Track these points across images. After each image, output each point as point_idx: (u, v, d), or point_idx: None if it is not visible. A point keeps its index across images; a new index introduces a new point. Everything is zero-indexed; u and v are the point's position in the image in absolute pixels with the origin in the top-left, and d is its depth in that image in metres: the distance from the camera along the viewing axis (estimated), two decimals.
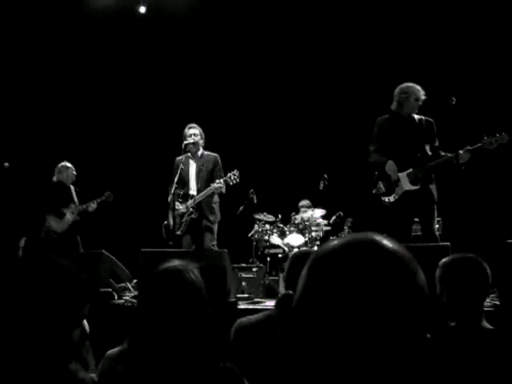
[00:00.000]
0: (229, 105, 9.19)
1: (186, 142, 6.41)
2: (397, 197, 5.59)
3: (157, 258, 4.91)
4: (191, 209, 6.31)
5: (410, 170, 5.53)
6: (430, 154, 5.56)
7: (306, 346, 0.92)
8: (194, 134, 6.47)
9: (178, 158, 6.50)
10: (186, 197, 6.39)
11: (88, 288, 1.43)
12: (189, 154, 6.49)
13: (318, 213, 7.79)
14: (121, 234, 8.48)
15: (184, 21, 8.86)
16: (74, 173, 7.50)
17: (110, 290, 5.49)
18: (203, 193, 6.29)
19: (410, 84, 5.59)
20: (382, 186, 5.67)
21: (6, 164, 7.00)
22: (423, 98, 5.57)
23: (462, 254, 2.58)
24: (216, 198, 6.53)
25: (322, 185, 7.55)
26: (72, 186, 7.46)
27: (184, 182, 6.43)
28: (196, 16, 8.92)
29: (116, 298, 5.47)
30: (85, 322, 1.43)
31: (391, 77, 8.25)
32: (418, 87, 5.57)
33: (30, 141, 8.89)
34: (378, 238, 0.95)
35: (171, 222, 6.29)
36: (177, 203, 6.26)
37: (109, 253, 5.84)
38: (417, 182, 5.50)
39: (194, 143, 6.44)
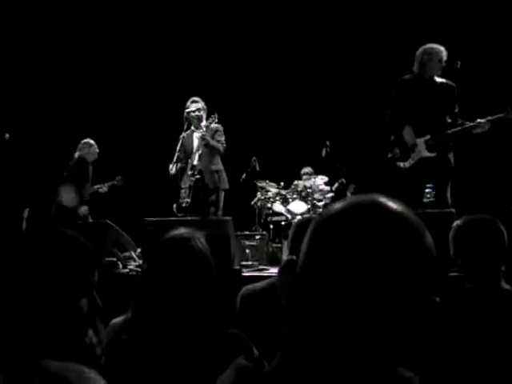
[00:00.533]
0: (230, 73, 9.11)
1: (186, 111, 6.37)
2: (412, 162, 5.52)
3: (161, 226, 4.92)
4: (189, 172, 6.27)
5: (428, 136, 5.45)
6: (449, 120, 5.46)
7: (310, 312, 0.91)
8: (198, 109, 6.40)
9: (182, 135, 6.45)
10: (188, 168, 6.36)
11: (94, 256, 1.42)
12: (192, 128, 6.46)
13: (321, 180, 7.78)
14: (125, 204, 8.49)
15: None
16: (97, 150, 7.52)
17: (114, 259, 5.51)
18: (196, 153, 6.26)
19: (433, 45, 5.45)
20: (397, 150, 5.59)
21: (7, 135, 6.98)
22: (446, 58, 5.41)
23: (478, 215, 2.56)
24: (217, 166, 6.46)
25: (324, 152, 7.52)
26: (90, 165, 7.48)
27: (188, 155, 6.39)
28: None
29: (120, 267, 5.49)
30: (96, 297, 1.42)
31: (394, 38, 8.23)
32: (442, 48, 5.42)
33: (33, 112, 8.84)
34: (383, 199, 0.93)
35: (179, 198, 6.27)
36: (180, 176, 6.25)
37: (113, 222, 5.85)
38: (434, 149, 5.43)
39: (196, 117, 6.39)
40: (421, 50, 5.49)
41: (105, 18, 8.94)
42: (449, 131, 5.39)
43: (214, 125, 6.31)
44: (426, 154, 5.45)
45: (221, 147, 6.35)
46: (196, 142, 6.46)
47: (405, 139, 5.54)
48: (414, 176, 5.51)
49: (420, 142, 5.48)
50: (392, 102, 5.62)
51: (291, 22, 8.93)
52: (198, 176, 6.27)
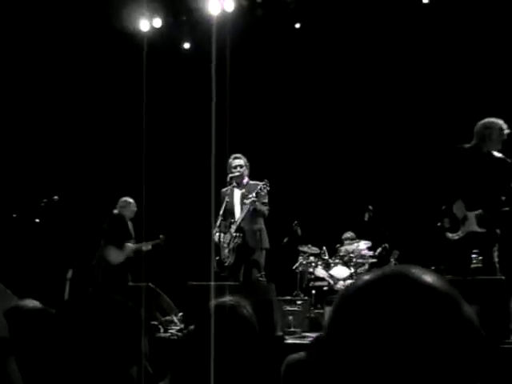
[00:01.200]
0: (275, 134, 9.23)
1: (231, 175, 6.43)
2: (462, 235, 5.40)
3: (203, 291, 4.89)
4: (234, 234, 6.29)
5: (480, 211, 5.32)
6: (503, 198, 5.33)
7: None
8: (240, 166, 6.49)
9: (223, 190, 6.54)
10: (230, 226, 6.39)
11: (142, 323, 1.41)
12: (234, 185, 6.51)
13: (364, 245, 7.68)
14: (167, 267, 8.51)
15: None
16: (135, 209, 7.64)
17: (156, 322, 5.49)
18: (242, 213, 6.28)
19: (494, 119, 5.38)
20: (447, 221, 5.48)
21: (56, 197, 7.16)
22: (507, 132, 5.33)
23: None
24: (260, 225, 6.47)
25: (367, 216, 7.46)
26: (130, 222, 7.57)
27: (229, 213, 6.43)
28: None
29: (162, 330, 5.46)
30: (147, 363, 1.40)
31: (435, 107, 8.26)
32: (502, 121, 5.35)
33: (81, 176, 9.07)
34: (414, 270, 0.86)
35: (220, 255, 6.28)
36: (222, 234, 6.25)
37: (155, 285, 5.86)
38: (484, 224, 5.29)
39: (238, 176, 6.46)
40: (480, 124, 5.41)
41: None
42: (502, 209, 5.25)
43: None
44: (477, 228, 5.32)
45: (266, 210, 6.39)
46: (237, 199, 6.51)
47: (454, 210, 5.44)
48: (461, 247, 5.40)
49: (471, 215, 5.36)
50: (446, 169, 5.55)
51: (334, 85, 9.06)
52: (240, 235, 6.28)
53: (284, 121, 9.26)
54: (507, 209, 5.25)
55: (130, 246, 7.40)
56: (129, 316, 1.38)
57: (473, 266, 5.52)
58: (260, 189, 6.25)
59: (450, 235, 5.48)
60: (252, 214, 6.36)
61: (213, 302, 2.03)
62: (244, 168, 6.53)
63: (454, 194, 5.47)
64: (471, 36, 8.07)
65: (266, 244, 6.53)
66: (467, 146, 5.49)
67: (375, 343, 0.81)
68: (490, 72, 7.96)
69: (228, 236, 6.33)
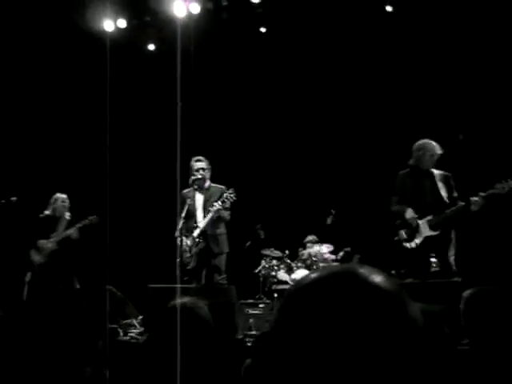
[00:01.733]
0: (238, 135, 9.23)
1: (193, 178, 6.42)
2: (418, 242, 5.88)
3: (164, 294, 4.85)
4: (197, 239, 6.30)
5: (430, 217, 5.83)
6: (447, 201, 5.84)
7: None
8: (202, 168, 6.49)
9: (185, 192, 6.53)
10: (192, 230, 6.38)
11: (96, 324, 1.39)
12: (195, 187, 6.50)
13: (326, 248, 7.73)
14: (127, 270, 8.42)
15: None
16: (64, 203, 7.33)
17: (115, 326, 5.43)
18: (205, 220, 6.30)
19: (426, 140, 5.95)
20: (403, 233, 5.95)
21: (14, 198, 7.01)
22: (439, 153, 5.91)
23: (486, 286, 2.55)
24: (222, 229, 6.51)
25: (329, 220, 7.53)
26: (65, 217, 7.30)
27: (191, 216, 6.42)
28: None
29: (121, 334, 5.40)
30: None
31: (398, 109, 8.37)
32: (434, 143, 5.91)
33: (40, 176, 8.92)
34: (362, 270, 0.86)
35: (180, 258, 6.27)
36: (184, 238, 6.23)
37: (115, 288, 5.80)
38: (436, 227, 5.81)
39: (201, 178, 6.45)
40: (415, 145, 5.98)
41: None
42: (447, 210, 5.77)
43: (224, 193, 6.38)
44: (430, 232, 5.83)
45: (228, 216, 6.41)
46: (200, 202, 6.51)
47: (407, 220, 5.92)
48: (419, 252, 5.87)
49: (422, 222, 5.86)
50: (395, 192, 6.11)
51: (294, 88, 9.11)
52: (203, 240, 6.29)
53: (247, 123, 9.27)
54: (452, 209, 5.76)
55: (43, 242, 7.16)
56: (83, 317, 1.36)
57: (432, 269, 5.97)
58: (226, 197, 6.27)
59: (408, 245, 5.94)
60: (215, 219, 6.38)
61: (169, 304, 2.03)
62: (206, 171, 6.54)
63: (406, 206, 5.98)
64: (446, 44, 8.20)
65: (227, 248, 6.58)
66: (406, 171, 6.08)
67: (320, 341, 0.81)
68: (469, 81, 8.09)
69: (190, 239, 6.32)
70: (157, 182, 8.93)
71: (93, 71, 8.88)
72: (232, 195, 6.27)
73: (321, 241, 8.04)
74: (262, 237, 7.62)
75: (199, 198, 6.53)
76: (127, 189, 9.28)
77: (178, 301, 2.07)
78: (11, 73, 8.85)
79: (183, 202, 6.42)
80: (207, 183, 6.56)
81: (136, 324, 5.55)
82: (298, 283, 0.89)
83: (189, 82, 8.85)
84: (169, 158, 8.41)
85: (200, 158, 6.56)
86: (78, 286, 6.98)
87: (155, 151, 9.28)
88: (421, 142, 5.98)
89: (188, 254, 6.26)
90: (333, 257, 7.68)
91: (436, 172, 5.99)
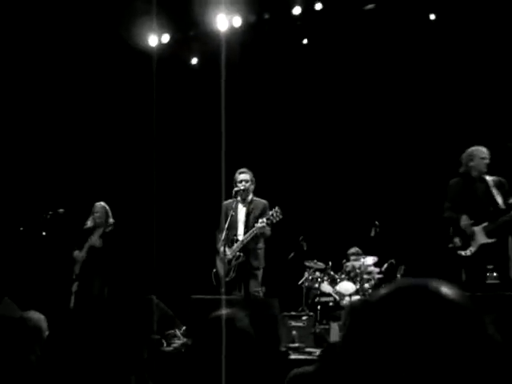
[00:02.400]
0: (283, 149, 9.24)
1: (236, 189, 6.44)
2: (473, 250, 5.77)
3: (206, 305, 4.88)
4: (238, 253, 6.31)
5: (486, 223, 5.75)
6: (503, 207, 5.75)
7: None
8: (245, 181, 6.49)
9: (226, 203, 6.54)
10: (233, 242, 6.39)
11: (142, 334, 1.41)
12: (238, 199, 6.51)
13: (370, 260, 7.64)
14: (170, 281, 8.50)
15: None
16: (98, 214, 7.31)
17: (158, 336, 5.47)
18: (247, 235, 6.29)
19: (475, 147, 5.96)
20: (457, 240, 5.87)
21: (61, 210, 7.17)
22: (488, 157, 5.88)
23: None
24: (261, 244, 6.51)
25: (373, 231, 7.45)
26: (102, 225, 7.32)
27: (232, 228, 6.43)
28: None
29: (165, 345, 5.44)
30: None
31: (443, 123, 8.25)
32: (482, 148, 5.92)
33: (86, 188, 9.11)
34: (435, 284, 0.84)
35: (220, 268, 6.31)
36: (226, 249, 6.26)
37: (158, 299, 5.85)
38: (493, 235, 5.69)
39: (244, 190, 6.46)
40: (465, 153, 6.00)
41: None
42: (504, 217, 5.66)
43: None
44: (486, 240, 5.70)
45: (269, 232, 6.41)
46: (242, 215, 6.52)
47: (462, 227, 5.82)
48: (475, 261, 5.73)
49: (478, 229, 5.75)
50: (448, 199, 6.04)
51: (341, 100, 9.08)
52: (243, 254, 6.31)
53: (292, 136, 9.27)
54: (509, 215, 5.68)
55: (76, 252, 7.30)
56: (129, 327, 1.39)
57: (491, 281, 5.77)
58: (272, 215, 6.24)
59: (462, 253, 5.83)
60: (256, 235, 6.39)
61: (210, 315, 2.04)
62: (250, 183, 6.53)
63: (458, 213, 5.91)
64: (466, 48, 8.08)
65: (263, 263, 6.59)
66: (457, 179, 6.07)
67: (394, 356, 0.79)
68: (489, 83, 7.95)
69: (231, 252, 6.33)
70: (201, 194, 9.02)
71: (139, 86, 9.06)
72: (278, 213, 6.25)
73: (364, 253, 7.96)
74: (305, 248, 7.58)
75: (241, 211, 6.54)
76: (171, 200, 9.38)
77: (220, 312, 2.08)
78: (58, 88, 9.08)
79: (225, 213, 6.45)
80: (250, 196, 6.56)
81: (179, 335, 5.58)
82: (371, 297, 0.88)
83: (232, 95, 8.96)
84: (213, 170, 8.53)
85: (244, 170, 6.58)
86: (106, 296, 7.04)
87: (200, 163, 9.37)
88: (469, 149, 5.97)
89: (228, 266, 6.28)
90: (377, 269, 7.58)
91: (489, 178, 5.92)
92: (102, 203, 7.41)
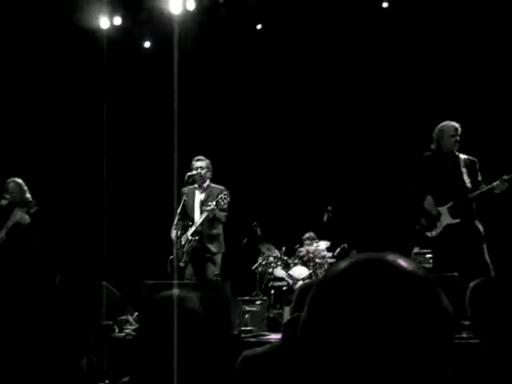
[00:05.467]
0: (235, 134, 9.21)
1: (189, 174, 6.46)
2: (439, 231, 5.71)
3: (159, 289, 4.83)
4: (190, 237, 6.34)
5: (450, 203, 5.66)
6: (469, 186, 5.68)
7: (313, 373, 0.84)
8: (201, 167, 6.55)
9: (184, 189, 6.60)
10: (187, 228, 6.42)
11: (91, 315, 1.39)
12: (196, 185, 6.57)
13: (323, 245, 7.72)
14: (123, 266, 8.41)
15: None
16: (13, 194, 6.78)
17: (110, 322, 5.41)
18: (199, 219, 6.32)
19: (445, 122, 5.80)
20: (424, 221, 5.81)
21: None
22: (458, 133, 5.72)
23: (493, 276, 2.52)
24: (218, 230, 6.54)
25: (326, 217, 7.52)
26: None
27: (187, 214, 6.46)
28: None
29: (117, 330, 5.39)
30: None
31: (400, 102, 8.35)
32: (453, 124, 5.75)
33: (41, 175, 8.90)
34: (392, 257, 0.85)
35: (174, 255, 6.31)
36: (179, 234, 6.27)
37: (110, 285, 5.78)
38: (457, 215, 5.62)
39: (199, 175, 6.49)
40: (436, 129, 5.83)
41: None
42: (469, 195, 5.60)
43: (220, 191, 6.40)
44: (451, 220, 5.63)
45: (224, 217, 6.48)
46: (197, 202, 6.54)
47: (426, 209, 5.75)
48: (442, 244, 5.68)
49: (443, 209, 5.68)
50: (415, 178, 5.92)
51: (292, 85, 9.09)
52: (197, 238, 6.33)
53: (243, 120, 9.25)
54: (474, 194, 5.59)
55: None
56: (76, 308, 1.36)
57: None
58: (220, 198, 6.32)
59: (429, 234, 5.78)
60: (211, 219, 6.44)
61: (158, 295, 2.02)
62: (205, 170, 6.60)
63: (423, 193, 5.79)
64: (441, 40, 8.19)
65: (223, 248, 6.66)
66: (427, 154, 5.91)
67: (352, 327, 0.80)
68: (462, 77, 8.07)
69: (184, 238, 6.37)
70: (155, 180, 8.92)
71: (89, 69, 8.88)
72: (226, 196, 6.33)
73: (318, 238, 8.03)
74: (259, 234, 7.61)
75: (198, 197, 6.60)
76: (124, 186, 9.27)
77: (167, 292, 2.06)
78: (7, 70, 8.83)
79: (180, 199, 6.47)
80: (206, 182, 6.60)
81: (131, 320, 5.54)
82: (329, 272, 0.89)
83: (186, 79, 8.86)
84: (167, 157, 8.44)
85: (200, 157, 6.65)
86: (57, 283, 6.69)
87: (153, 149, 9.27)
88: (440, 125, 5.83)
89: (180, 252, 6.30)
90: (330, 254, 7.67)
91: (461, 156, 5.82)
92: (16, 179, 6.85)
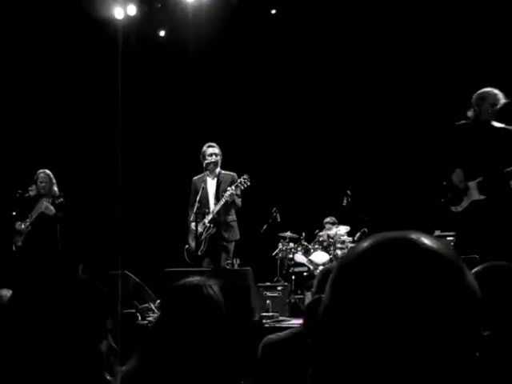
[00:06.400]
0: (251, 121, 9.19)
1: (207, 162, 6.41)
2: (465, 205, 5.30)
3: (180, 277, 4.86)
4: (208, 224, 6.32)
5: (480, 178, 5.25)
6: (505, 160, 5.18)
7: (335, 355, 0.83)
8: (215, 154, 6.48)
9: (196, 178, 6.55)
10: (205, 216, 6.39)
11: (108, 300, 1.40)
12: (207, 173, 6.50)
13: (343, 230, 7.70)
14: (144, 255, 8.48)
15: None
16: (42, 184, 6.88)
17: (133, 310, 5.47)
18: (218, 205, 6.31)
19: (487, 89, 5.31)
20: (450, 195, 5.41)
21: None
22: (502, 102, 5.24)
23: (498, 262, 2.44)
24: (233, 216, 6.52)
25: (345, 201, 7.48)
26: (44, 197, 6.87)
27: (203, 202, 6.43)
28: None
29: (140, 318, 5.44)
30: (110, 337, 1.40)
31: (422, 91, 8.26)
32: (496, 91, 5.26)
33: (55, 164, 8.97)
34: (415, 235, 0.84)
35: (192, 244, 6.30)
36: (196, 223, 6.26)
37: (132, 274, 5.83)
38: (486, 191, 5.21)
39: (215, 163, 6.45)
40: (475, 94, 5.35)
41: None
42: (505, 170, 5.13)
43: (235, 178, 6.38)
44: (479, 196, 5.24)
45: (239, 203, 6.42)
46: (212, 188, 6.51)
47: (454, 182, 5.36)
48: (465, 221, 5.31)
49: (472, 184, 5.28)
50: (446, 148, 5.51)
51: (310, 72, 9.04)
52: (214, 226, 6.32)
53: (261, 107, 9.22)
54: (507, 170, 5.13)
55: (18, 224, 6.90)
56: (94, 292, 1.37)
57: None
58: (240, 182, 6.27)
59: (453, 208, 5.38)
60: (227, 205, 6.38)
61: (178, 283, 2.02)
62: (219, 156, 6.54)
63: (452, 166, 5.38)
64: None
65: (238, 235, 6.58)
66: (463, 122, 5.45)
67: (377, 308, 0.79)
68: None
69: (201, 225, 6.34)
70: (172, 170, 8.95)
71: (105, 58, 8.90)
72: (247, 180, 6.27)
73: (338, 222, 8.01)
74: (279, 220, 7.60)
75: (211, 184, 6.54)
76: (141, 176, 9.31)
77: (188, 280, 2.06)
78: (21, 64, 8.88)
79: (195, 189, 6.45)
80: (217, 169, 6.56)
81: (154, 308, 5.59)
82: (350, 253, 0.87)
83: (200, 68, 8.86)
84: (184, 145, 8.47)
85: (212, 144, 6.56)
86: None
87: (169, 138, 9.29)
88: (481, 90, 5.30)
89: (198, 240, 6.28)
90: (350, 238, 7.65)
91: (497, 125, 5.32)
92: (47, 171, 6.98)
